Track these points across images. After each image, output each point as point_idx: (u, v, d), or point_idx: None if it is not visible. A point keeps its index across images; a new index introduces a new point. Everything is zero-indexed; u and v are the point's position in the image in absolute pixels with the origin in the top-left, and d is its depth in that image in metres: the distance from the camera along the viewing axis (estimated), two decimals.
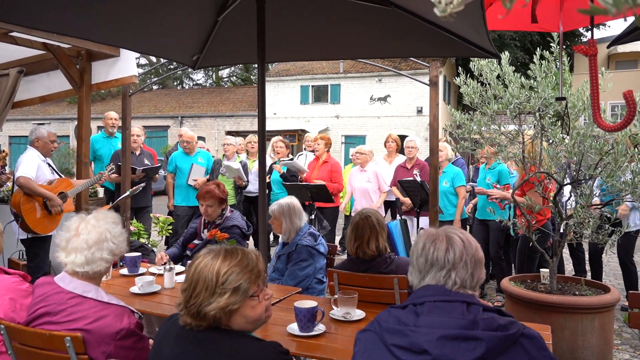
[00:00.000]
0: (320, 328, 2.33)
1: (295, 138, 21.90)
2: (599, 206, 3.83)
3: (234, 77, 41.18)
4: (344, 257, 6.35)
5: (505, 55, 3.85)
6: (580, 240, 3.96)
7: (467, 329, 1.32)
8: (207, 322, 1.49)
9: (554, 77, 3.69)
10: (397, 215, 5.82)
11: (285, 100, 25.57)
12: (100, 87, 4.97)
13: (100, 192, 6.49)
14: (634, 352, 4.09)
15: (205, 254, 1.59)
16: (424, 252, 1.49)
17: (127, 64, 4.86)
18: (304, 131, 21.59)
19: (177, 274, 3.27)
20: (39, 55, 4.82)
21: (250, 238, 5.16)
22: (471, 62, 4.01)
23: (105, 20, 2.86)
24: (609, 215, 3.74)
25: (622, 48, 24.63)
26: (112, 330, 1.77)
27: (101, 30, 3.02)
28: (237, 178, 6.51)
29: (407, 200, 5.60)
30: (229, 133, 23.28)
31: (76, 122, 5.17)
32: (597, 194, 3.91)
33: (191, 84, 41.20)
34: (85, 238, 1.88)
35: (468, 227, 6.39)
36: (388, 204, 6.81)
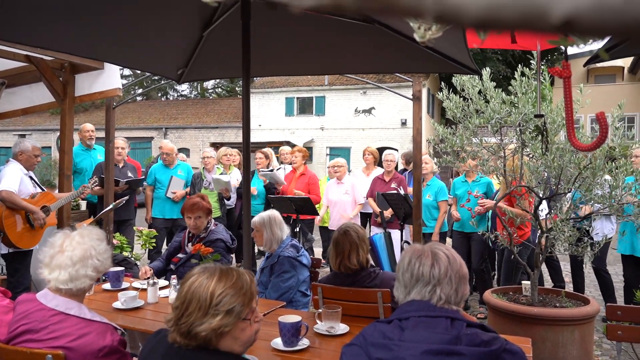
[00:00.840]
0: (304, 342, 2.33)
1: (279, 150, 21.91)
2: (578, 219, 3.90)
3: (219, 89, 41.18)
4: (327, 269, 6.35)
5: (486, 71, 3.93)
6: (560, 252, 4.04)
7: (451, 344, 1.35)
8: (197, 342, 1.47)
9: (534, 93, 3.78)
10: (378, 227, 5.85)
11: (270, 112, 25.62)
12: (84, 100, 4.94)
13: (83, 205, 6.43)
14: None
15: (200, 272, 1.56)
16: (410, 267, 1.51)
17: (111, 77, 4.85)
18: (288, 143, 21.63)
19: (161, 288, 3.25)
20: (21, 67, 4.78)
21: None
22: (454, 77, 4.08)
23: (90, 34, 2.87)
24: (587, 229, 3.81)
25: (601, 62, 25.19)
26: (95, 348, 1.76)
27: (85, 45, 3.02)
28: (225, 190, 6.50)
29: (386, 212, 5.66)
30: (213, 145, 23.20)
31: (58, 134, 5.13)
32: (573, 208, 3.98)
33: (175, 95, 41.08)
34: (69, 255, 1.86)
35: (448, 239, 6.46)
36: (365, 216, 6.84)
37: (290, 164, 6.96)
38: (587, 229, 3.84)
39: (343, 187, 6.45)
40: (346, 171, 6.59)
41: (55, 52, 4.02)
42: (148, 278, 3.39)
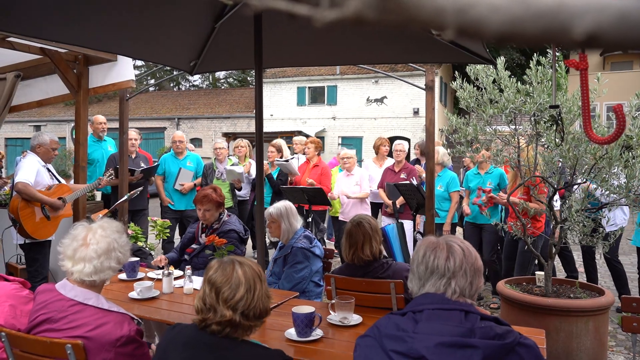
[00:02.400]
0: (317, 333, 2.35)
1: (292, 140, 21.93)
2: (594, 210, 3.86)
3: (231, 79, 41.18)
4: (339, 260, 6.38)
5: (500, 60, 3.88)
6: (575, 243, 4.00)
7: (464, 337, 1.35)
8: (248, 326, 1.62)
9: (550, 83, 3.73)
10: (393, 218, 5.85)
11: (282, 101, 25.59)
12: (98, 92, 4.98)
13: (98, 196, 6.49)
14: (628, 353, 4.13)
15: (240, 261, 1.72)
16: (425, 259, 1.51)
17: (124, 69, 4.88)
18: (300, 132, 21.61)
19: (176, 278, 3.29)
20: (36, 60, 4.83)
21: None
22: (467, 67, 4.04)
23: (103, 27, 2.88)
24: (600, 219, 3.77)
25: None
26: (113, 338, 1.79)
27: (99, 38, 3.04)
28: (237, 181, 6.53)
29: (390, 202, 5.67)
30: (225, 135, 23.29)
31: (73, 124, 5.18)
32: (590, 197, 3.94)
33: (188, 85, 41.19)
34: (94, 248, 1.91)
35: (458, 230, 6.44)
36: (377, 206, 6.82)
37: (304, 154, 6.96)
38: (601, 219, 3.79)
39: (353, 178, 6.42)
40: (355, 162, 6.55)
41: (69, 45, 4.06)
42: (162, 267, 3.45)
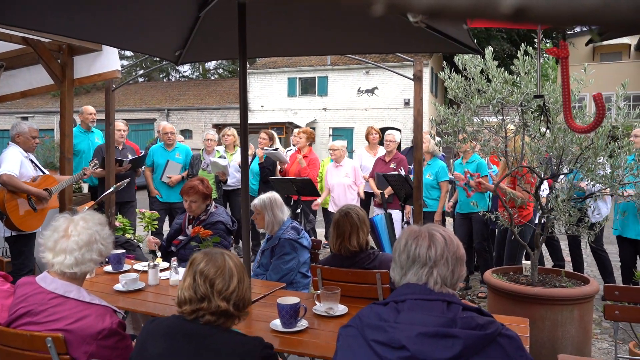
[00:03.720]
0: (303, 324, 2.36)
1: (282, 131, 21.86)
2: (579, 199, 3.89)
3: (221, 70, 40.90)
4: (329, 251, 6.39)
5: (488, 50, 3.87)
6: (561, 232, 4.03)
7: (446, 327, 1.35)
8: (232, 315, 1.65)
9: (537, 73, 3.73)
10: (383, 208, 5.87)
11: (272, 92, 25.48)
12: (83, 82, 4.92)
13: (85, 188, 6.43)
14: (612, 341, 4.18)
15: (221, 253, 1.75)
16: (406, 248, 1.51)
17: (109, 59, 4.81)
18: (291, 124, 21.55)
19: (161, 270, 3.27)
20: (19, 50, 4.75)
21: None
22: (455, 57, 4.03)
23: (86, 17, 2.83)
24: (587, 208, 3.80)
25: (609, 40, 24.83)
26: (94, 330, 1.78)
27: (82, 27, 2.99)
28: (221, 174, 6.51)
29: (378, 192, 5.70)
30: (215, 126, 23.14)
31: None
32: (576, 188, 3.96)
33: (177, 76, 40.86)
34: (75, 239, 1.89)
35: (448, 220, 6.47)
36: (369, 195, 6.82)
37: (294, 145, 6.96)
38: (587, 209, 3.82)
39: (342, 169, 6.41)
40: (342, 154, 6.51)
41: (53, 35, 3.99)
42: (154, 252, 3.43)
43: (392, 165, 5.94)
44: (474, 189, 5.08)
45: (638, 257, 4.95)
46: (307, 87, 25.29)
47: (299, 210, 5.71)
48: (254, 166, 6.80)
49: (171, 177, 6.47)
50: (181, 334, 1.58)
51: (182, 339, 1.57)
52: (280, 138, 7.63)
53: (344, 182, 6.37)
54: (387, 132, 6.37)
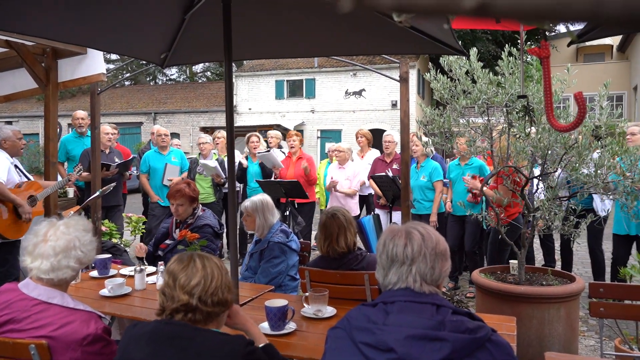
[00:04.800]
0: (291, 326, 2.35)
1: (266, 134, 21.84)
2: (565, 198, 3.93)
3: (209, 72, 40.76)
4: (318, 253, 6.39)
5: (473, 52, 3.91)
6: (548, 232, 4.07)
7: (434, 330, 1.34)
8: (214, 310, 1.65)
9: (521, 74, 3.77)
10: (371, 210, 5.88)
11: (260, 95, 25.44)
12: (67, 86, 4.85)
13: (70, 193, 6.36)
14: (598, 338, 4.22)
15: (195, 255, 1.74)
16: (385, 249, 1.51)
17: (94, 62, 4.76)
18: (279, 126, 21.53)
19: (148, 275, 3.24)
20: (2, 53, 4.68)
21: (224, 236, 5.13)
22: (441, 58, 4.06)
23: (69, 19, 2.80)
24: (574, 207, 3.84)
25: (590, 41, 25.18)
26: (79, 337, 1.75)
27: (65, 30, 2.96)
28: (215, 176, 6.48)
29: (381, 193, 5.69)
30: (203, 129, 23.05)
31: None
32: (563, 187, 4.01)
33: (164, 79, 40.63)
34: (52, 245, 1.85)
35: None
36: (363, 199, 6.85)
37: (279, 147, 6.94)
38: (575, 208, 3.86)
39: (344, 172, 6.39)
40: (348, 157, 6.50)
41: (37, 38, 3.94)
42: (141, 258, 3.41)
43: (394, 166, 5.89)
44: (479, 195, 5.07)
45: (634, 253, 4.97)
46: (295, 90, 25.29)
47: (288, 213, 5.70)
48: (253, 168, 6.76)
49: (172, 179, 6.41)
50: (163, 338, 1.57)
51: (164, 343, 1.56)
52: (266, 140, 7.59)
53: (344, 185, 6.36)
54: (386, 133, 6.35)
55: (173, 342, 1.55)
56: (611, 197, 3.73)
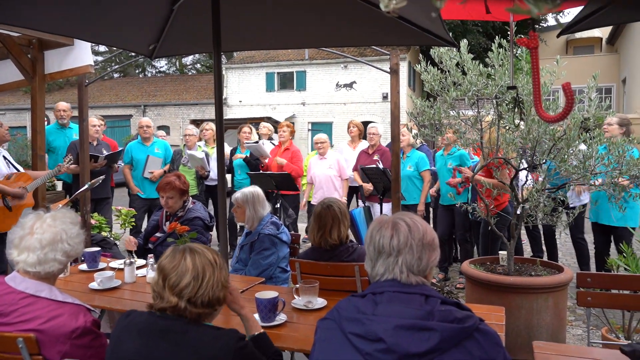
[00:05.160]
0: (281, 318, 2.35)
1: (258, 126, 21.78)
2: (553, 190, 3.96)
3: (199, 65, 40.44)
4: (309, 245, 6.40)
5: (463, 43, 3.91)
6: (535, 222, 4.10)
7: (423, 320, 1.35)
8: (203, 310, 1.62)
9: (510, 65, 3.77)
10: (362, 201, 5.90)
11: (250, 87, 25.31)
12: (54, 77, 4.80)
13: (59, 186, 6.30)
14: (586, 327, 4.28)
15: (188, 249, 1.71)
16: (372, 240, 1.51)
17: (82, 53, 4.70)
18: (270, 119, 21.45)
19: (138, 267, 3.23)
20: None
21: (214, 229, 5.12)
22: (432, 50, 4.05)
23: (56, 9, 2.76)
24: (562, 199, 3.88)
25: (579, 34, 25.32)
26: (67, 330, 1.74)
27: (52, 20, 2.91)
28: (200, 168, 6.46)
29: (367, 185, 5.72)
30: (193, 122, 22.91)
31: None
32: (550, 178, 4.03)
33: (154, 71, 40.25)
34: (39, 237, 1.83)
35: (432, 210, 6.54)
36: (353, 190, 6.87)
37: (270, 139, 6.92)
38: (562, 199, 3.90)
39: (326, 162, 6.45)
40: (328, 146, 6.57)
41: (22, 28, 3.88)
42: (130, 251, 3.39)
43: (375, 157, 5.95)
44: (462, 185, 5.13)
45: (613, 245, 5.05)
46: (286, 82, 25.19)
47: (279, 205, 5.70)
48: (240, 160, 6.75)
49: (153, 172, 6.38)
50: (156, 331, 1.56)
51: (156, 336, 1.55)
52: (259, 134, 7.57)
53: (328, 174, 6.38)
54: (370, 125, 6.39)
55: (166, 336, 1.54)
56: (598, 188, 3.77)
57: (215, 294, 1.63)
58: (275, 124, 13.41)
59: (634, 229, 4.59)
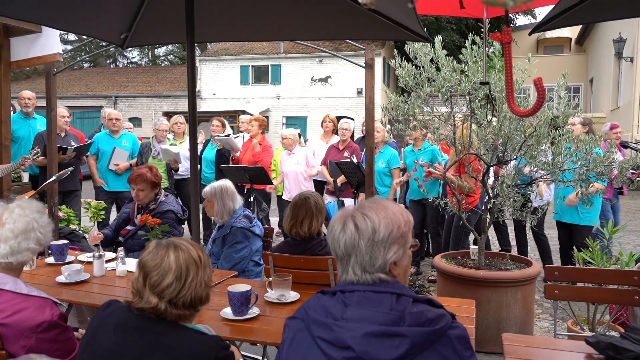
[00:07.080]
0: (254, 311, 2.34)
1: (235, 119, 21.57)
2: (523, 186, 4.04)
3: (172, 56, 39.80)
4: (282, 239, 6.39)
5: (438, 39, 3.94)
6: (505, 217, 4.18)
7: (393, 325, 1.31)
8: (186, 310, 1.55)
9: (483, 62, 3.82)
10: (335, 196, 5.91)
11: (224, 80, 25.04)
12: (21, 65, 4.64)
13: (25, 177, 6.12)
14: (552, 320, 4.40)
15: (175, 244, 1.63)
16: (329, 241, 1.47)
17: (50, 41, 4.55)
18: (244, 112, 21.26)
19: (108, 261, 3.17)
20: None
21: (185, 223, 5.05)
22: (406, 45, 4.07)
23: None
24: (530, 194, 3.96)
25: (550, 34, 25.89)
26: (33, 323, 1.69)
27: (18, 6, 2.81)
28: (173, 161, 6.37)
29: (331, 179, 5.85)
30: (166, 114, 22.52)
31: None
32: (519, 174, 4.11)
33: (125, 62, 39.43)
34: (11, 227, 1.81)
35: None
36: (321, 184, 6.86)
37: (248, 131, 6.89)
38: (530, 194, 3.99)
39: (294, 157, 6.46)
40: (293, 142, 6.54)
41: None
42: (97, 245, 3.32)
43: (346, 154, 5.98)
44: (424, 179, 5.20)
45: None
46: (260, 75, 25.01)
47: (252, 199, 5.66)
48: (209, 154, 6.70)
49: (118, 164, 6.26)
50: (133, 328, 1.49)
51: (133, 334, 1.48)
52: (232, 126, 7.51)
53: (296, 170, 6.40)
54: (343, 120, 6.42)
55: (144, 335, 1.47)
56: (567, 184, 3.86)
57: (198, 294, 1.55)
58: (247, 116, 13.29)
59: (591, 227, 4.77)
